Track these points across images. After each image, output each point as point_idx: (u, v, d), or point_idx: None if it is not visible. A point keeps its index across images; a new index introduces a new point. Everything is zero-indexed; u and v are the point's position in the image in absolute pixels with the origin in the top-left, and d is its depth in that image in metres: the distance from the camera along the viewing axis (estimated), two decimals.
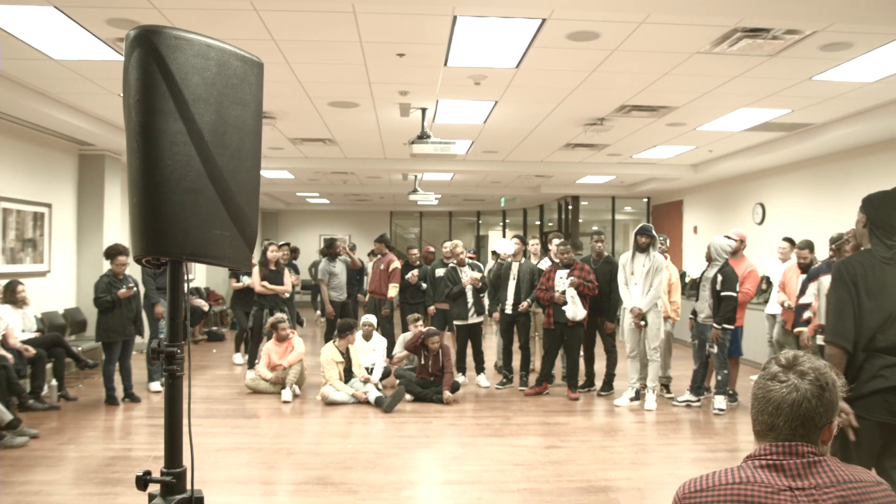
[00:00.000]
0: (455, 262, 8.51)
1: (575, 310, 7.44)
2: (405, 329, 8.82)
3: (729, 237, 7.32)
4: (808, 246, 7.08)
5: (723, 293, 6.87)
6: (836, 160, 9.58)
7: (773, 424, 1.57)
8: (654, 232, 7.30)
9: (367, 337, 8.32)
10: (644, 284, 7.22)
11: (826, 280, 5.97)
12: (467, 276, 8.32)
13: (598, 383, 8.14)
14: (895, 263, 3.10)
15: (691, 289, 7.54)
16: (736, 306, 6.92)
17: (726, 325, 6.89)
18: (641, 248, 7.26)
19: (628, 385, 7.53)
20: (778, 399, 1.56)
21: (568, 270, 7.61)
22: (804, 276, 6.79)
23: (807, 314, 6.18)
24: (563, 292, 7.49)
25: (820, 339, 6.01)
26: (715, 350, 6.96)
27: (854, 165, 9.21)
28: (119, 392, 7.36)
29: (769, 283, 9.07)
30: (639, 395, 7.51)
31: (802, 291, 6.41)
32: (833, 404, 1.57)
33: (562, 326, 7.58)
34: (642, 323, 7.25)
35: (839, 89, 6.74)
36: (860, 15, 4.66)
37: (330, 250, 9.95)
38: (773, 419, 1.57)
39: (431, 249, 10.31)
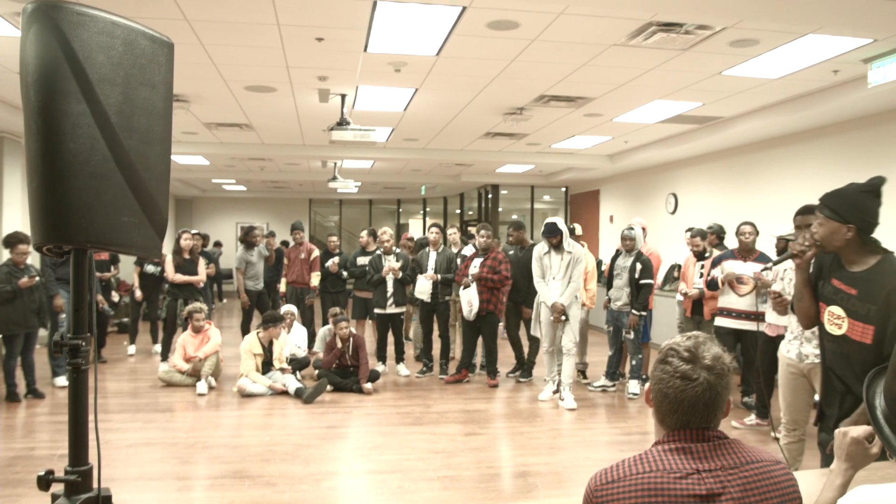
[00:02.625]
0: (382, 249, 8.43)
1: (470, 309, 7.59)
2: (325, 320, 8.71)
3: (633, 227, 7.52)
4: (700, 234, 7.36)
5: (641, 281, 7.09)
6: (743, 152, 9.99)
7: (686, 421, 1.61)
8: (560, 226, 6.91)
9: (288, 328, 8.18)
10: (563, 278, 6.91)
11: (728, 265, 6.25)
12: (388, 265, 8.25)
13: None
14: None
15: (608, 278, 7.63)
16: (649, 293, 7.16)
17: (642, 312, 7.13)
18: (554, 246, 6.94)
19: (547, 379, 7.29)
20: (692, 398, 1.58)
21: (482, 258, 7.68)
22: (700, 263, 7.13)
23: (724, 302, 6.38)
24: (467, 279, 7.64)
25: (721, 322, 6.30)
26: (631, 336, 7.17)
27: (760, 158, 9.62)
28: (21, 388, 7.01)
29: (680, 271, 9.39)
30: (559, 389, 7.09)
31: (707, 273, 6.62)
32: (731, 383, 1.64)
33: (476, 315, 7.65)
34: (563, 318, 6.90)
35: (746, 84, 7.01)
36: (767, 12, 4.84)
37: (247, 238, 9.73)
38: (687, 416, 1.60)
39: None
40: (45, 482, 1.93)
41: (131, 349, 9.62)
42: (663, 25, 5.23)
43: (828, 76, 6.64)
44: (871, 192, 2.88)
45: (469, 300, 7.56)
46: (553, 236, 6.91)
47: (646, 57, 6.10)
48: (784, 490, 1.59)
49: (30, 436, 5.91)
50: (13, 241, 6.82)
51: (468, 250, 8.50)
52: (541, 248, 7.09)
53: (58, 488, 1.97)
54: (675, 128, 9.60)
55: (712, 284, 6.45)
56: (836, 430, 1.94)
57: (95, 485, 2.02)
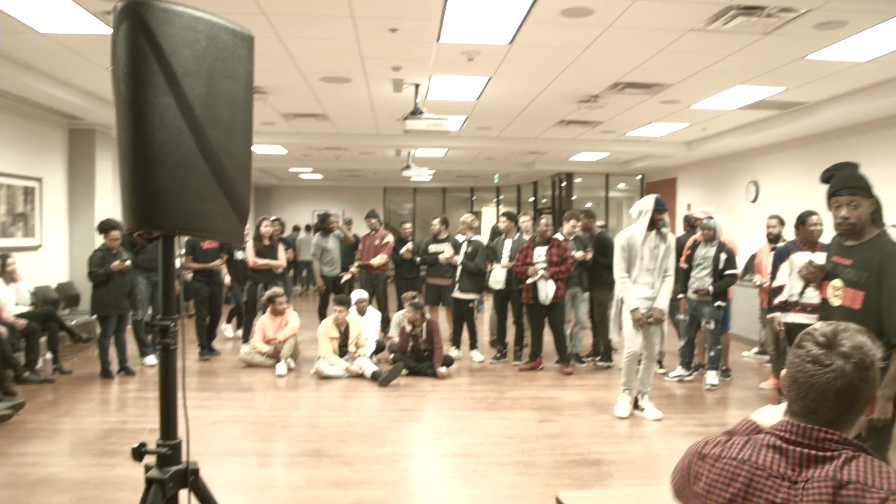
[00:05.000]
0: (465, 237, 8.56)
1: (546, 293, 7.56)
2: (400, 305, 8.84)
3: (712, 216, 7.33)
4: (777, 216, 7.11)
5: (726, 272, 6.93)
6: (829, 139, 9.59)
7: (814, 409, 1.47)
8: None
9: (362, 312, 8.35)
10: (656, 270, 6.02)
11: (797, 258, 5.99)
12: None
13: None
14: None
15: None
16: (732, 284, 7.02)
17: (721, 303, 6.98)
18: (656, 227, 6.00)
19: (625, 389, 6.16)
20: (822, 385, 1.45)
21: (546, 248, 7.65)
22: (773, 251, 6.84)
23: (779, 298, 6.07)
24: (540, 271, 7.59)
25: (792, 318, 6.02)
26: (712, 326, 7.02)
27: (847, 144, 9.22)
28: (114, 366, 7.40)
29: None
30: (637, 403, 6.23)
31: (773, 274, 6.23)
32: (876, 381, 1.48)
33: (541, 303, 7.65)
34: (652, 322, 6.04)
35: (833, 68, 6.73)
36: None
37: (323, 225, 9.94)
38: (815, 404, 1.47)
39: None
40: (138, 454, 2.06)
41: (228, 330, 10.04)
42: (744, 9, 5.07)
43: None
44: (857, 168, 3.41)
45: (547, 286, 7.55)
46: (664, 212, 5.99)
47: (725, 42, 5.94)
48: None
49: (122, 410, 6.23)
50: (107, 227, 7.18)
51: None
52: (634, 233, 6.03)
53: (150, 460, 2.09)
54: (756, 114, 9.29)
55: (776, 294, 6.09)
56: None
57: (184, 458, 2.13)
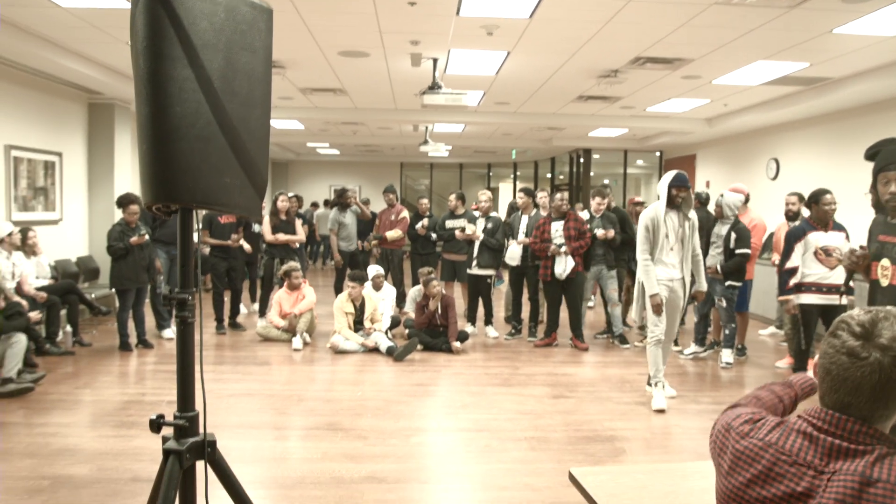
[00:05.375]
0: (480, 212, 8.54)
1: (564, 270, 7.54)
2: (416, 280, 8.86)
3: (738, 190, 7.27)
4: (797, 194, 6.99)
5: (737, 251, 6.85)
6: (853, 116, 9.44)
7: (848, 403, 1.38)
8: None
9: (378, 287, 8.38)
10: (682, 250, 5.76)
11: (813, 238, 5.92)
12: (469, 227, 8.38)
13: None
14: None
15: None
16: (744, 263, 6.92)
17: (733, 283, 6.91)
18: (676, 205, 5.75)
19: (655, 381, 5.77)
20: (857, 379, 1.36)
21: (563, 222, 7.62)
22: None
23: (794, 280, 5.97)
24: (560, 245, 7.54)
25: (806, 299, 5.95)
26: (724, 304, 6.98)
27: (871, 122, 9.07)
28: (132, 338, 7.48)
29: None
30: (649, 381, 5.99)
31: (787, 254, 6.04)
32: None
33: (558, 278, 7.64)
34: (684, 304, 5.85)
35: (859, 43, 6.60)
36: None
37: (340, 200, 9.96)
38: (849, 398, 1.38)
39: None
40: (156, 425, 2.07)
41: (242, 309, 10.03)
42: None
43: None
44: None
45: (564, 261, 7.53)
46: (684, 188, 5.70)
47: (749, 16, 5.83)
48: None
49: (140, 382, 6.31)
50: (125, 201, 7.22)
51: (583, 216, 8.25)
52: (656, 211, 5.74)
53: (167, 431, 2.11)
54: (779, 90, 9.15)
55: (786, 278, 5.98)
56: None
57: (201, 430, 2.15)
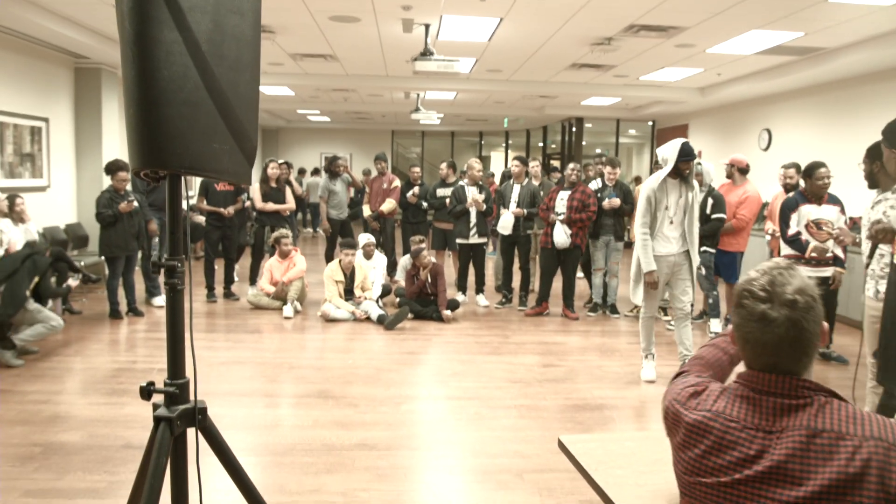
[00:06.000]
0: (468, 181, 8.46)
1: (565, 238, 7.53)
2: (406, 249, 8.85)
3: (738, 161, 7.24)
4: (795, 166, 6.93)
5: (713, 216, 6.84)
6: (846, 86, 9.41)
7: (774, 364, 1.45)
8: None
9: (368, 256, 8.36)
10: (682, 222, 5.48)
11: (805, 210, 5.92)
12: (471, 196, 8.25)
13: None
14: None
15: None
16: (719, 228, 6.91)
17: (708, 248, 6.91)
18: (684, 176, 5.45)
19: (647, 354, 5.74)
20: (776, 340, 1.43)
21: (570, 192, 7.61)
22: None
23: (809, 240, 6.00)
24: (559, 215, 7.52)
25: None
26: (703, 272, 6.98)
27: (865, 92, 9.05)
28: (122, 306, 7.46)
29: (768, 209, 9.04)
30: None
31: (786, 223, 6.03)
32: (821, 313, 1.44)
33: (557, 247, 7.63)
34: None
35: (855, 12, 6.55)
36: None
37: (331, 168, 9.90)
38: (774, 359, 1.44)
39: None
40: (146, 392, 2.06)
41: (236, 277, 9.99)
42: None
43: None
44: None
45: (564, 230, 7.52)
46: (689, 160, 5.38)
47: None
48: (848, 470, 1.31)
49: (131, 350, 6.30)
50: (113, 168, 7.15)
51: (594, 185, 8.14)
52: (652, 184, 5.47)
53: (158, 398, 2.11)
54: (773, 59, 9.10)
55: (798, 245, 5.97)
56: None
57: (192, 397, 2.15)
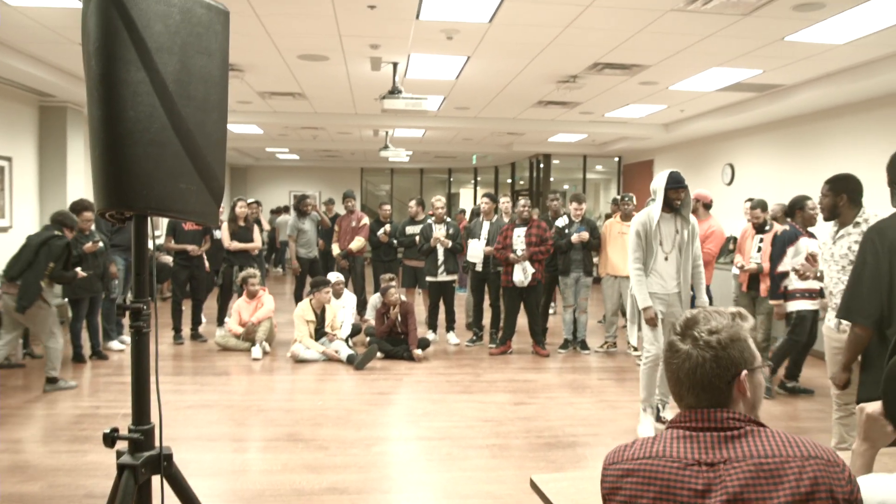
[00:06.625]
0: (433, 219, 8.46)
1: (525, 277, 7.53)
2: (377, 287, 8.80)
3: (702, 196, 7.34)
4: (760, 205, 6.99)
5: None
6: (805, 122, 9.66)
7: (680, 395, 1.52)
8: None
9: (338, 295, 8.30)
10: (679, 259, 5.16)
11: (804, 244, 6.00)
12: (439, 233, 8.26)
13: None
14: None
15: None
16: None
17: None
18: (675, 208, 5.14)
19: (647, 407, 5.26)
20: (674, 369, 1.51)
21: (525, 228, 7.65)
22: (759, 236, 6.80)
23: (787, 284, 6.03)
24: (519, 253, 7.56)
25: (796, 305, 6.05)
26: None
27: (823, 127, 9.29)
28: (86, 349, 7.28)
29: (735, 244, 9.15)
30: (659, 415, 5.33)
31: (779, 258, 6.07)
32: (734, 360, 1.46)
33: (517, 285, 7.64)
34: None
35: (811, 50, 6.75)
36: None
37: (299, 206, 9.87)
38: (677, 389, 1.52)
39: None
40: (110, 439, 2.01)
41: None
42: None
43: None
44: None
45: (524, 268, 7.52)
46: (681, 189, 5.08)
47: (704, 22, 5.92)
48: (800, 490, 1.35)
49: (94, 395, 6.14)
50: (79, 208, 7.02)
51: (561, 221, 8.20)
52: (649, 216, 5.16)
53: (122, 445, 2.05)
54: (734, 96, 9.33)
55: (777, 283, 6.06)
56: (857, 406, 1.86)
57: (157, 443, 2.09)
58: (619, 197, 8.43)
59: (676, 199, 5.09)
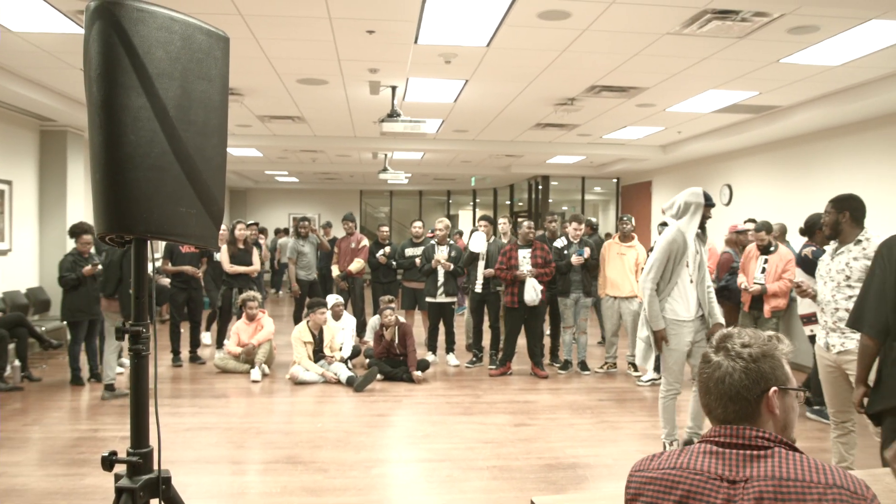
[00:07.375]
0: (435, 240, 8.48)
1: (535, 295, 7.52)
2: (377, 309, 8.79)
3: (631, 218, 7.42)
4: (765, 227, 6.98)
5: None
6: (801, 143, 9.72)
7: (709, 406, 1.55)
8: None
9: (337, 317, 8.29)
10: (699, 281, 4.86)
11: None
12: (441, 255, 8.28)
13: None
14: None
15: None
16: None
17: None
18: (703, 227, 4.92)
19: (669, 440, 5.02)
20: (705, 379, 1.54)
21: (530, 250, 7.66)
22: (763, 257, 6.79)
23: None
24: (528, 271, 7.55)
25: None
26: None
27: (819, 148, 9.35)
28: (84, 372, 7.26)
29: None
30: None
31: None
32: (764, 374, 1.49)
33: (525, 306, 7.62)
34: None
35: (805, 72, 6.82)
36: None
37: (299, 229, 9.90)
38: (707, 400, 1.55)
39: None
40: (108, 463, 2.00)
41: (206, 338, 9.76)
42: (719, 13, 5.13)
43: (892, 63, 6.42)
44: None
45: (533, 286, 7.51)
46: (712, 206, 4.87)
47: (700, 45, 5.99)
48: None
49: (93, 418, 6.12)
50: (78, 231, 7.05)
51: (560, 242, 8.18)
52: (685, 235, 4.78)
53: (120, 469, 2.05)
54: (730, 117, 9.40)
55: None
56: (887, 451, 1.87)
57: (156, 466, 2.09)
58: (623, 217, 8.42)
59: (708, 217, 4.86)
